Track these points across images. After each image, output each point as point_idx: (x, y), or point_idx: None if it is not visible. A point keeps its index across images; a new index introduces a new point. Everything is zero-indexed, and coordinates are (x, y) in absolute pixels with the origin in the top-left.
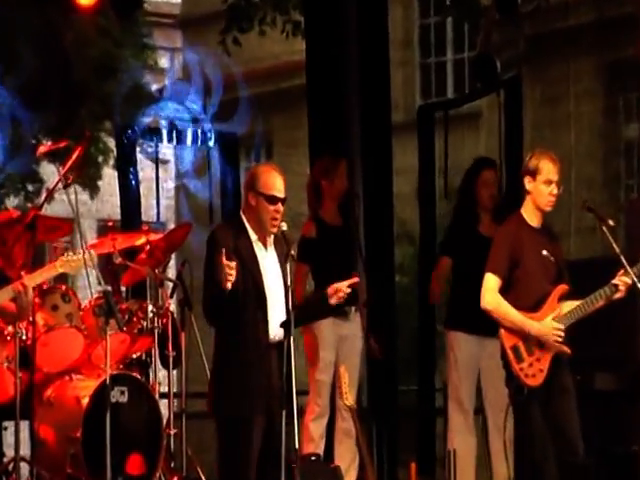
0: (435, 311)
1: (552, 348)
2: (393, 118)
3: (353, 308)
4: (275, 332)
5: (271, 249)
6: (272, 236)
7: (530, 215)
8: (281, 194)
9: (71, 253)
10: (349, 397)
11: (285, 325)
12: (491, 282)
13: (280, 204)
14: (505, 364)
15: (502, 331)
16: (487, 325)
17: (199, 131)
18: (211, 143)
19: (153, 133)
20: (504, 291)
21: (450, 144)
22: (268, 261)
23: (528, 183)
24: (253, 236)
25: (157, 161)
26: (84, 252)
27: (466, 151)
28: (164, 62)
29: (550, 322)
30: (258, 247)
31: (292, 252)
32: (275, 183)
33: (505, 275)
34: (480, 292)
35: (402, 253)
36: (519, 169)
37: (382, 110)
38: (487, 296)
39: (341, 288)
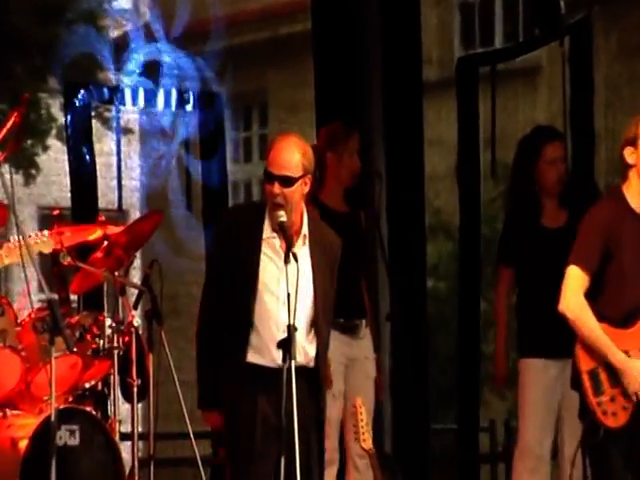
0: (480, 327)
1: (632, 394)
2: (425, 75)
3: (363, 322)
4: (272, 354)
5: (300, 252)
6: (306, 234)
7: (635, 196)
8: (278, 170)
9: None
10: (367, 439)
11: (284, 345)
12: (575, 277)
13: (278, 184)
14: (579, 392)
15: (578, 348)
16: (571, 343)
17: (173, 91)
18: (189, 107)
19: (113, 94)
20: (589, 295)
21: (499, 108)
22: (276, 268)
23: (630, 155)
24: (267, 231)
25: (118, 130)
26: (21, 246)
27: (520, 117)
28: (125, 1)
29: None
30: (270, 250)
31: (294, 250)
32: (276, 156)
33: (594, 269)
34: (553, 302)
35: (437, 251)
36: (589, 140)
37: (410, 64)
38: (568, 295)
39: None
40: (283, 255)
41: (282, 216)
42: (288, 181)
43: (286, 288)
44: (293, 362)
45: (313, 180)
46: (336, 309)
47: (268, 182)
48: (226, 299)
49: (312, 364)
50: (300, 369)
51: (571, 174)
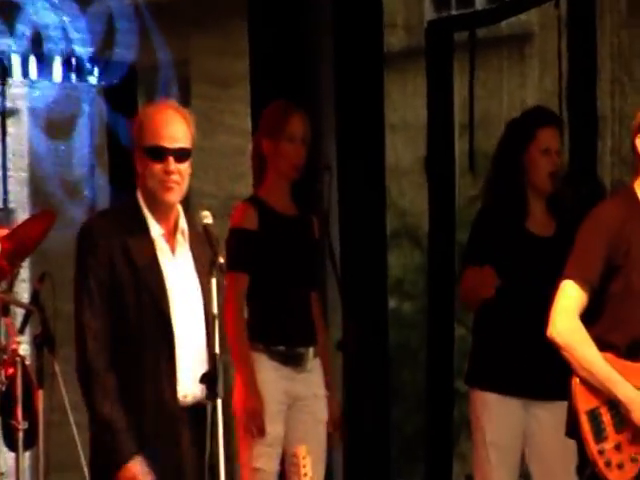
0: (454, 358)
1: None
2: (387, 42)
3: (311, 351)
4: (188, 390)
5: (183, 250)
6: (184, 228)
7: None
8: (171, 142)
9: None
10: None
11: (208, 379)
12: (571, 295)
13: (172, 159)
14: (576, 439)
15: (575, 383)
16: (539, 379)
17: (73, 60)
18: (93, 79)
19: None
20: (587, 318)
21: (479, 85)
22: (178, 272)
23: None
24: (155, 229)
25: (2, 109)
26: None
27: (505, 97)
28: None
29: None
30: (162, 249)
31: (220, 259)
32: (162, 128)
33: (595, 286)
34: (526, 324)
35: (401, 262)
36: (591, 125)
37: (369, 29)
38: (561, 317)
39: None
40: (172, 256)
41: (207, 217)
42: (184, 155)
43: (208, 305)
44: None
45: (254, 174)
46: (276, 334)
47: (155, 160)
48: (120, 328)
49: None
50: (197, 408)
51: (568, 170)
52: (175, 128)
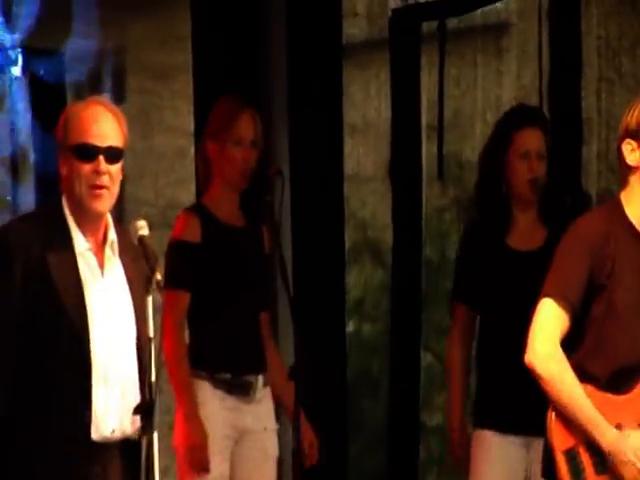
0: (420, 388)
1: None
2: (347, 33)
3: (260, 378)
4: (116, 424)
5: (113, 266)
6: (114, 240)
7: (636, 208)
8: (102, 140)
9: None
10: None
11: (142, 410)
12: (550, 316)
13: (103, 159)
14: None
15: (551, 418)
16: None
17: None
18: (16, 70)
19: None
20: (566, 344)
21: (450, 82)
22: (105, 292)
23: (631, 152)
24: (80, 242)
25: None
26: None
27: (480, 95)
28: None
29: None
30: (89, 266)
31: (157, 275)
32: (90, 125)
33: (576, 306)
34: (518, 353)
35: (361, 281)
36: (575, 127)
37: (327, 18)
38: (539, 341)
39: None
40: (102, 272)
41: (143, 227)
42: (115, 155)
43: (142, 328)
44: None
45: (198, 180)
46: (221, 359)
47: (82, 160)
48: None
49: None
50: (124, 445)
51: (551, 176)
52: (105, 125)
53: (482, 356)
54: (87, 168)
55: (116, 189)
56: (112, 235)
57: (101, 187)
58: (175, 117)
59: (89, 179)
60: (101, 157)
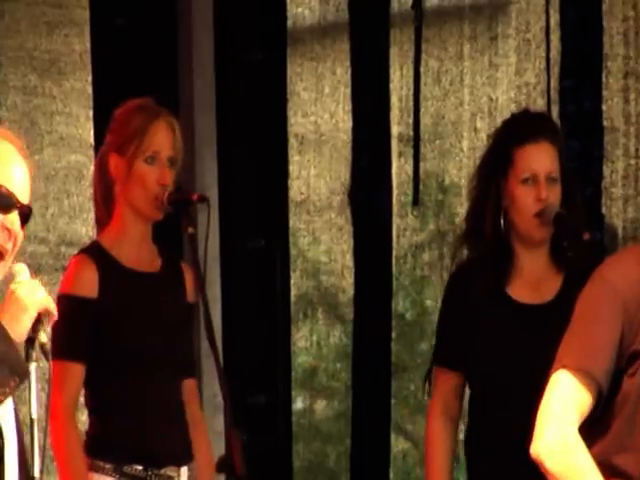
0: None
1: None
2: (293, 14)
3: (184, 471)
4: None
5: None
6: None
7: None
8: (20, 193)
9: None
10: None
11: None
12: (565, 395)
13: (19, 216)
14: None
15: None
16: None
17: None
18: None
19: None
20: (589, 430)
21: (428, 77)
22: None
23: None
24: None
25: None
26: None
27: (467, 94)
28: None
29: None
30: None
31: (42, 337)
32: (6, 172)
33: (602, 383)
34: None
35: (313, 341)
36: (594, 136)
37: (271, 3)
38: (549, 429)
39: None
40: None
41: (21, 273)
42: (28, 215)
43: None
44: None
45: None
46: (130, 447)
47: None
48: None
49: None
50: None
51: (565, 205)
52: (24, 174)
53: (473, 443)
54: None
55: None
56: None
57: (5, 251)
58: (70, 125)
59: None
60: (15, 214)
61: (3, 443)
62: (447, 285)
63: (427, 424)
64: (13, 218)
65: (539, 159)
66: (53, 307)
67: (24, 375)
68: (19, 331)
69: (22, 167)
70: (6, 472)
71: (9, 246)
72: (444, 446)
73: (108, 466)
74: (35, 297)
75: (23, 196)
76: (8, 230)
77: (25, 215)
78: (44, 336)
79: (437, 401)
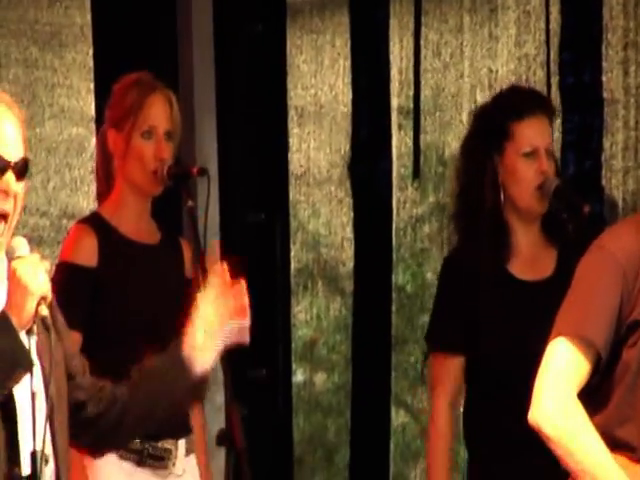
0: (392, 454)
1: None
2: None
3: (181, 444)
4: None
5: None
6: None
7: None
8: (9, 151)
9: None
10: None
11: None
12: (562, 361)
13: (15, 175)
14: None
15: None
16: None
17: None
18: None
19: None
20: (589, 400)
21: (428, 49)
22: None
23: None
24: None
25: None
26: None
27: (467, 67)
28: None
29: None
30: None
31: (42, 309)
32: None
33: (602, 351)
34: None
35: (312, 314)
36: (594, 109)
37: None
38: (548, 395)
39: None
40: None
41: (20, 247)
42: (25, 169)
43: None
44: None
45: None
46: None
47: None
48: None
49: None
50: None
51: (562, 178)
52: (13, 130)
53: (473, 420)
54: None
55: (18, 212)
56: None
57: (6, 214)
58: (71, 98)
59: None
60: (10, 172)
61: (15, 409)
62: (443, 270)
63: (431, 419)
64: (8, 178)
65: (540, 133)
66: (50, 290)
67: (29, 366)
68: (24, 318)
69: (10, 121)
70: (21, 438)
71: (9, 206)
72: (447, 444)
73: None
74: (38, 281)
75: (16, 151)
76: (5, 192)
77: (22, 170)
78: (44, 309)
79: (441, 392)
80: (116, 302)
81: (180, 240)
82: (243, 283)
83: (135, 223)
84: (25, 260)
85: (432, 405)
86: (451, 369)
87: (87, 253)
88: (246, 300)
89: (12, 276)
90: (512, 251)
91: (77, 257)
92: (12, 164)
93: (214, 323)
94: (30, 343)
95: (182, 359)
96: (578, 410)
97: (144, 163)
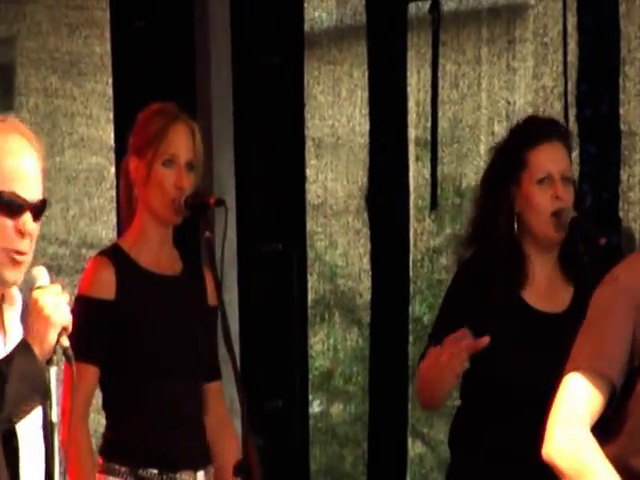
0: None
1: None
2: (310, 17)
3: (200, 476)
4: None
5: (15, 327)
6: (14, 295)
7: None
8: (31, 191)
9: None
10: None
11: None
12: (578, 397)
13: (32, 215)
14: None
15: None
16: None
17: None
18: None
19: None
20: (602, 430)
21: (447, 81)
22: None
23: None
24: None
25: None
26: None
27: (485, 98)
28: None
29: None
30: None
31: (64, 340)
32: (12, 164)
33: (616, 384)
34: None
35: (329, 345)
36: (612, 140)
37: (288, 6)
38: (561, 430)
39: None
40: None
41: (40, 277)
42: (42, 210)
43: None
44: None
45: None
46: (146, 450)
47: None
48: None
49: None
50: None
51: (579, 209)
52: (33, 165)
53: (466, 435)
54: (9, 226)
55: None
56: (13, 289)
57: (23, 253)
58: (90, 127)
59: (9, 241)
60: (27, 214)
61: (18, 445)
62: (455, 281)
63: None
64: (25, 219)
65: (554, 159)
66: (70, 321)
67: (46, 395)
68: (46, 349)
69: (30, 156)
70: (22, 475)
71: (24, 246)
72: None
73: (123, 469)
74: (61, 313)
75: (34, 191)
76: (21, 232)
77: (39, 210)
78: (66, 340)
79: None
80: (135, 335)
81: (203, 269)
82: None
83: (155, 254)
84: (47, 290)
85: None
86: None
87: (105, 286)
88: None
89: (34, 306)
90: (527, 279)
91: (95, 290)
92: (30, 204)
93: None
94: (50, 373)
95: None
96: (591, 446)
97: (164, 191)
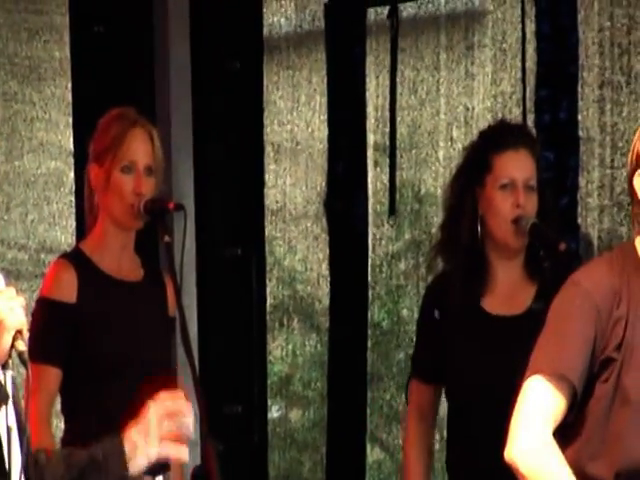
0: None
1: None
2: (269, 22)
3: None
4: None
5: None
6: None
7: None
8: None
9: None
10: None
11: None
12: (539, 399)
13: None
14: None
15: None
16: None
17: None
18: None
19: None
20: (562, 435)
21: (404, 86)
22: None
23: None
24: None
25: None
26: None
27: (444, 104)
28: None
29: None
30: None
31: (20, 344)
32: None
33: (577, 387)
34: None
35: (288, 351)
36: (570, 147)
37: (243, 3)
38: (523, 432)
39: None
40: None
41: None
42: None
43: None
44: None
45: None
46: None
47: None
48: None
49: None
50: None
51: (541, 215)
52: None
53: (452, 457)
54: None
55: None
56: None
57: None
58: (50, 132)
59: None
60: None
61: None
62: (423, 298)
63: (405, 430)
64: None
65: (518, 166)
66: (26, 324)
67: (3, 400)
68: (0, 353)
69: None
70: None
71: None
72: (422, 449)
73: None
74: (15, 316)
75: None
76: None
77: None
78: (22, 344)
79: (413, 409)
80: (93, 339)
81: (164, 276)
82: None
83: (117, 259)
84: (0, 294)
85: (406, 419)
86: (423, 395)
87: (66, 289)
88: (187, 432)
89: None
90: (487, 286)
91: (56, 293)
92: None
93: (155, 434)
94: (6, 377)
95: (123, 453)
96: (553, 449)
97: (123, 197)
